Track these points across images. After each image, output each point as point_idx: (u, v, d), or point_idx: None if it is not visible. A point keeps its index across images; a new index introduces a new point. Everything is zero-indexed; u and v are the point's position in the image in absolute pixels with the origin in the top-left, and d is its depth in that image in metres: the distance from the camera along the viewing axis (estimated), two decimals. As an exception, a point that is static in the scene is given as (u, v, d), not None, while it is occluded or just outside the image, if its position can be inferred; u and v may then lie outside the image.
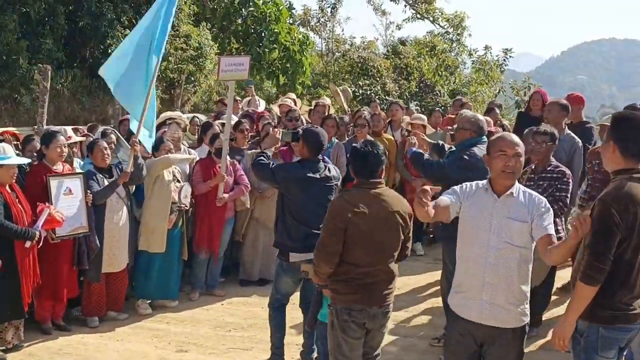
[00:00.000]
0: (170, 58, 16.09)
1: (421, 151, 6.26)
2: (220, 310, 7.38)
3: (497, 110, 10.19)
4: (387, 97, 18.67)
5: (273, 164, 5.61)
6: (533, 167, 6.33)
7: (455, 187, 4.21)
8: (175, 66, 16.61)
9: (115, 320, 6.93)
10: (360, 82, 19.12)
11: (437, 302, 7.41)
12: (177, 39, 16.49)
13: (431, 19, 23.02)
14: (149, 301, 7.29)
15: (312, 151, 5.52)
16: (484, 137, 6.16)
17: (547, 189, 6.08)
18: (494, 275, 3.92)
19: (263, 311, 6.96)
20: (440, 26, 23.22)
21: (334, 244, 4.39)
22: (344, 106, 10.39)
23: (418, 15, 23.08)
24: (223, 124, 8.61)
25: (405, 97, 19.76)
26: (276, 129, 6.16)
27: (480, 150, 6.00)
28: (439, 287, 7.69)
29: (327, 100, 10.47)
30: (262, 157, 5.65)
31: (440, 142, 6.90)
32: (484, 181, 4.14)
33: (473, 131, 6.07)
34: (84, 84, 14.83)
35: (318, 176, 5.46)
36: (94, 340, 6.46)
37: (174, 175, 7.26)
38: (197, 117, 10.32)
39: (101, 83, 15.11)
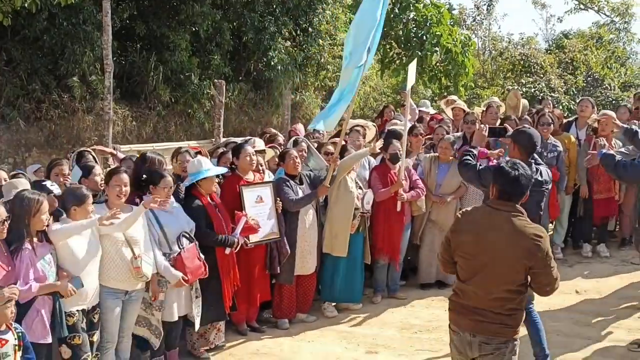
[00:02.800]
0: (328, 67, 16.41)
1: (612, 152, 5.90)
2: (404, 312, 7.43)
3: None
4: (552, 94, 17.92)
5: (480, 165, 5.46)
6: None
7: None
8: (334, 74, 16.92)
9: (304, 322, 7.17)
10: (523, 80, 18.52)
11: (631, 304, 7.10)
12: (335, 47, 16.80)
13: (596, 8, 21.84)
14: (334, 304, 7.46)
15: (524, 153, 5.28)
16: None
17: None
18: None
19: (445, 313, 6.94)
20: (607, 15, 22.00)
21: (443, 251, 4.28)
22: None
23: (581, 6, 22.00)
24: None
25: (572, 92, 18.93)
26: (482, 126, 6.00)
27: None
28: (629, 290, 7.38)
29: (498, 100, 10.24)
30: (469, 157, 5.51)
31: (635, 128, 6.55)
32: None
33: (678, 126, 5.74)
34: (249, 96, 15.44)
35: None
36: (288, 341, 6.72)
37: (356, 182, 7.40)
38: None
39: (265, 95, 15.76)
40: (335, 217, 7.21)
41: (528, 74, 19.22)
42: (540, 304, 6.11)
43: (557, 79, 19.25)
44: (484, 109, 9.32)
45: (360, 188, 7.40)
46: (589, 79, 19.81)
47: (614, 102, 17.78)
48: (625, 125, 6.59)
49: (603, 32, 21.71)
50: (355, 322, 7.21)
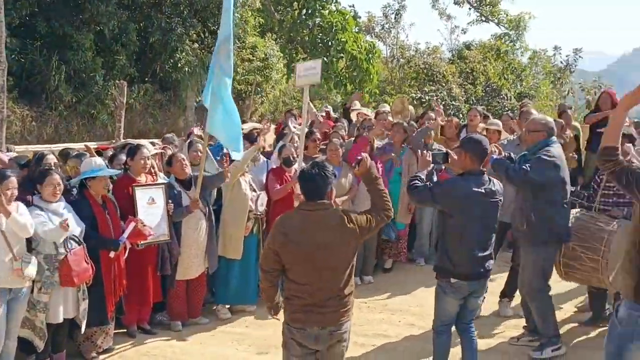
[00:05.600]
0: (238, 69, 16.47)
1: (502, 158, 6.10)
2: (297, 314, 7.53)
3: (569, 112, 10.06)
4: (453, 102, 18.60)
5: (429, 182, 5.24)
6: None
7: None
8: (243, 77, 16.97)
9: (197, 324, 7.18)
10: (425, 88, 19.09)
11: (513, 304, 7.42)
12: (244, 50, 16.85)
13: (496, 21, 22.68)
14: (228, 306, 7.51)
15: (476, 161, 5.10)
16: (554, 137, 6.11)
17: None
18: None
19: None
20: (505, 28, 22.91)
21: (268, 264, 4.32)
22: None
23: (482, 18, 22.80)
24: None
25: (471, 101, 19.67)
26: (425, 152, 5.59)
27: (555, 149, 5.95)
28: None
29: (387, 107, 10.64)
30: (416, 181, 5.23)
31: (508, 153, 6.66)
32: None
33: (545, 132, 5.99)
34: (155, 98, 15.33)
35: (483, 190, 5.04)
36: (179, 343, 6.72)
37: (250, 184, 7.48)
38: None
39: (171, 97, 15.64)
40: (229, 220, 7.26)
41: (431, 83, 19.78)
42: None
43: (458, 88, 19.95)
44: (374, 116, 9.63)
45: (254, 190, 7.48)
46: (487, 88, 20.61)
47: (509, 111, 18.60)
48: (495, 157, 6.70)
49: (500, 43, 22.62)
50: (248, 324, 7.28)
